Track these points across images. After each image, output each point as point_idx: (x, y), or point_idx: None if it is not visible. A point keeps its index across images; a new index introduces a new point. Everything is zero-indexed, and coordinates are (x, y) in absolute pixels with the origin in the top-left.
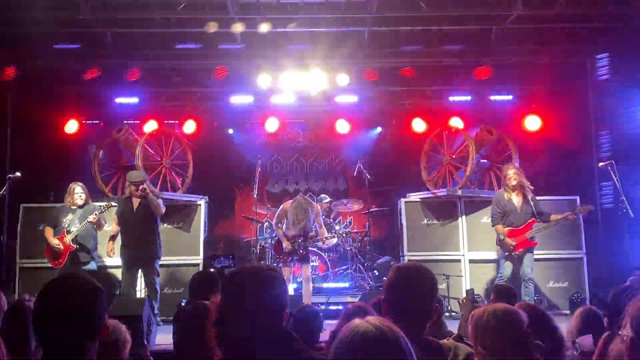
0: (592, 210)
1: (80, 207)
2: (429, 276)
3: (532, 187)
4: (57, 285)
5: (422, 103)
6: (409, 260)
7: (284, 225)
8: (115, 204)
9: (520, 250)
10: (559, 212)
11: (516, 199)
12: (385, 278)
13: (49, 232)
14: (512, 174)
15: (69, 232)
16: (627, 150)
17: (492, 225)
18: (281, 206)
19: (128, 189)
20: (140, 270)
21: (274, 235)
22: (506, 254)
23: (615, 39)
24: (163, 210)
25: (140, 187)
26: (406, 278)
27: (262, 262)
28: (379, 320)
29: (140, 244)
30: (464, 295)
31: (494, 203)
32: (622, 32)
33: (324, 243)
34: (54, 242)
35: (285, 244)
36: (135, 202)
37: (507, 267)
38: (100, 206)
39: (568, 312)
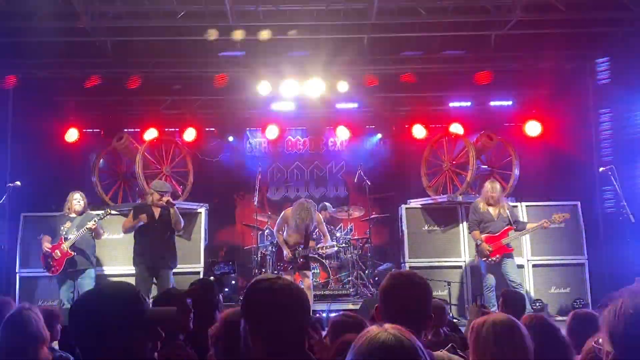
0: (568, 218)
1: (79, 214)
2: (422, 283)
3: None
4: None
5: (422, 109)
6: (410, 267)
7: (285, 232)
8: (116, 212)
9: (497, 256)
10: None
11: (492, 209)
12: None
13: (45, 240)
14: (491, 188)
15: (66, 239)
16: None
17: (469, 232)
18: (282, 213)
19: (150, 197)
20: (154, 280)
21: (275, 242)
22: (483, 259)
23: (614, 43)
24: (182, 225)
25: (165, 199)
26: (399, 286)
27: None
28: (397, 328)
29: (158, 253)
30: (470, 301)
31: (471, 211)
32: (621, 36)
33: (323, 251)
34: (48, 246)
35: (286, 252)
36: (156, 211)
37: (490, 278)
38: (98, 214)
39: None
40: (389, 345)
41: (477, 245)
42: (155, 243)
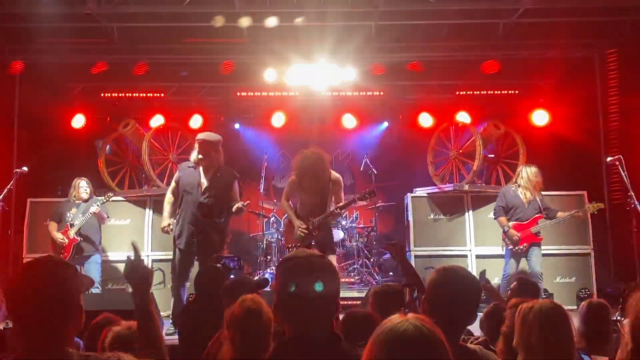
0: (603, 208)
1: (85, 201)
2: (474, 282)
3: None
4: (29, 266)
5: (429, 97)
6: (415, 255)
7: (298, 203)
8: (123, 198)
9: (525, 244)
10: (565, 208)
11: (523, 195)
12: (427, 277)
13: (52, 226)
14: (535, 173)
15: (72, 225)
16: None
17: (495, 218)
18: (289, 179)
19: (197, 154)
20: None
21: (281, 229)
22: (510, 247)
23: (623, 32)
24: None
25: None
26: (454, 282)
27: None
28: (419, 319)
29: (209, 227)
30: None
31: (500, 196)
32: (630, 25)
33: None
34: (58, 236)
35: (297, 224)
36: (206, 175)
37: (512, 265)
38: (99, 199)
39: (575, 307)
40: (409, 335)
41: (504, 232)
42: (205, 220)
